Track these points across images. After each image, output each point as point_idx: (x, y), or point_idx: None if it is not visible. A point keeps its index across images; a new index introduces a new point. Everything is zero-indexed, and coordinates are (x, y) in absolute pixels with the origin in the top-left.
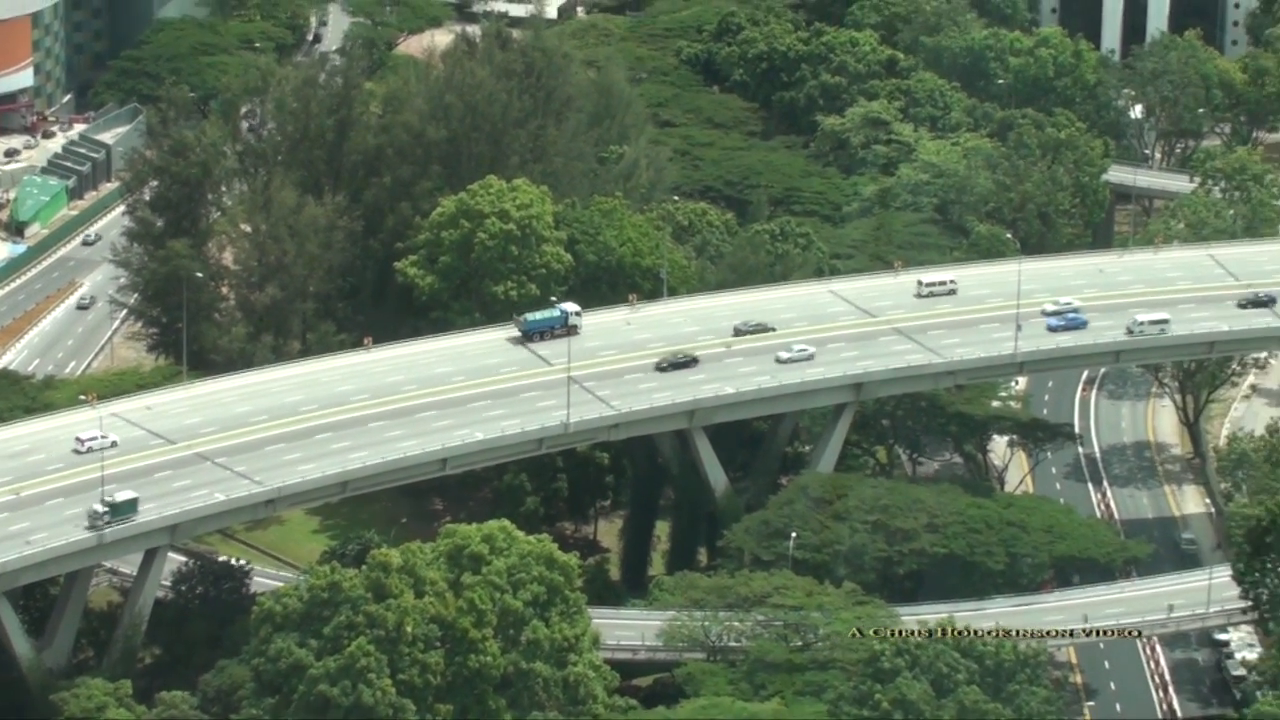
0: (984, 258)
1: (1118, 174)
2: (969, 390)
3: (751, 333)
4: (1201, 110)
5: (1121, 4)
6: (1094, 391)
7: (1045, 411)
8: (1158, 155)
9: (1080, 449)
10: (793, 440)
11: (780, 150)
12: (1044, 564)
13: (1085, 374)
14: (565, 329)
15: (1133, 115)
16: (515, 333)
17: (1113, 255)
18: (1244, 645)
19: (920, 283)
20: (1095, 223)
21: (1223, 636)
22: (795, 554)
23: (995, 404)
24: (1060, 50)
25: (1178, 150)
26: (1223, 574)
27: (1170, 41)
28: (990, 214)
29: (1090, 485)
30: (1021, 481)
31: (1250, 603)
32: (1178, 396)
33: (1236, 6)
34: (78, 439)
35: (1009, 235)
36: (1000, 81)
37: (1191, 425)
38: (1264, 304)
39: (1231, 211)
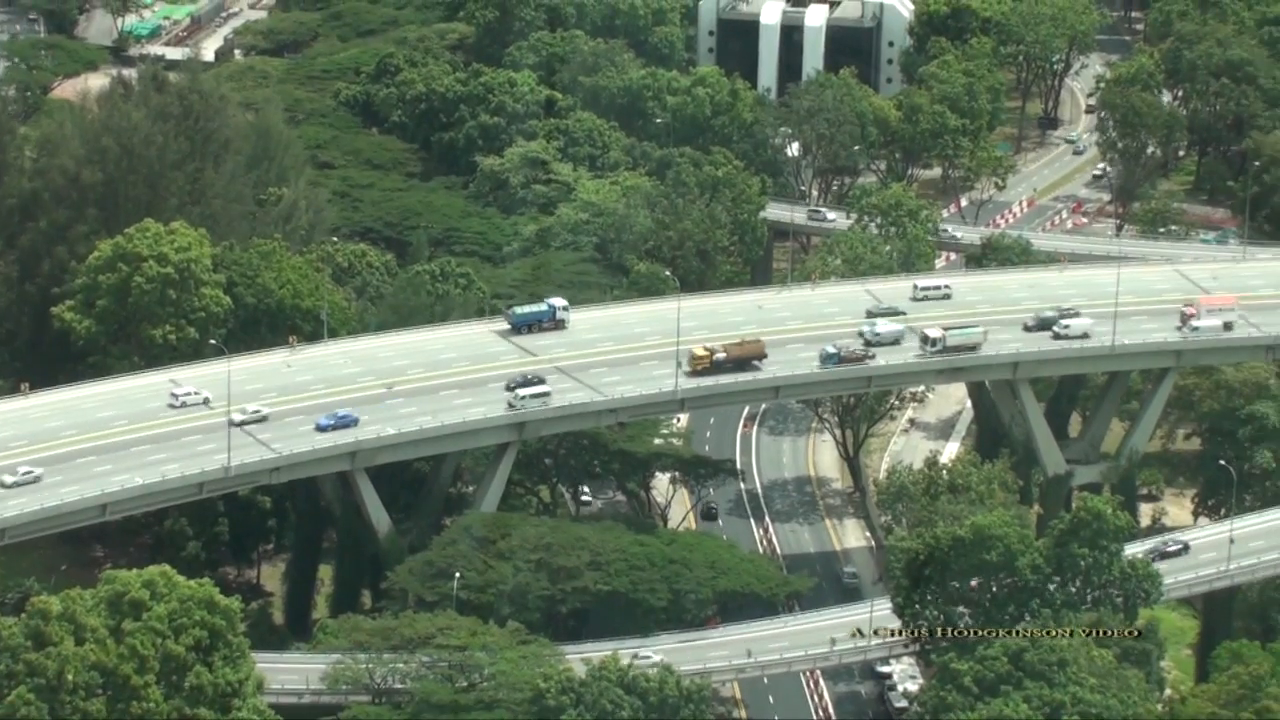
0: (643, 295)
1: (775, 211)
2: (631, 428)
3: (884, 315)
4: (857, 147)
5: (777, 43)
6: (755, 428)
7: (707, 448)
8: (815, 192)
9: (742, 485)
10: (456, 480)
11: (440, 191)
12: (707, 600)
13: (746, 410)
14: (553, 322)
15: (789, 153)
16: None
17: (771, 291)
18: (906, 677)
19: (916, 286)
20: (754, 259)
21: (885, 669)
22: (459, 594)
23: (657, 441)
24: (717, 89)
25: (834, 187)
26: (884, 607)
27: (826, 80)
28: (649, 252)
29: (752, 521)
30: (684, 518)
31: (911, 634)
32: (837, 431)
33: (890, 45)
34: (172, 394)
35: (668, 273)
36: (658, 120)
37: (851, 460)
38: None
39: (888, 247)
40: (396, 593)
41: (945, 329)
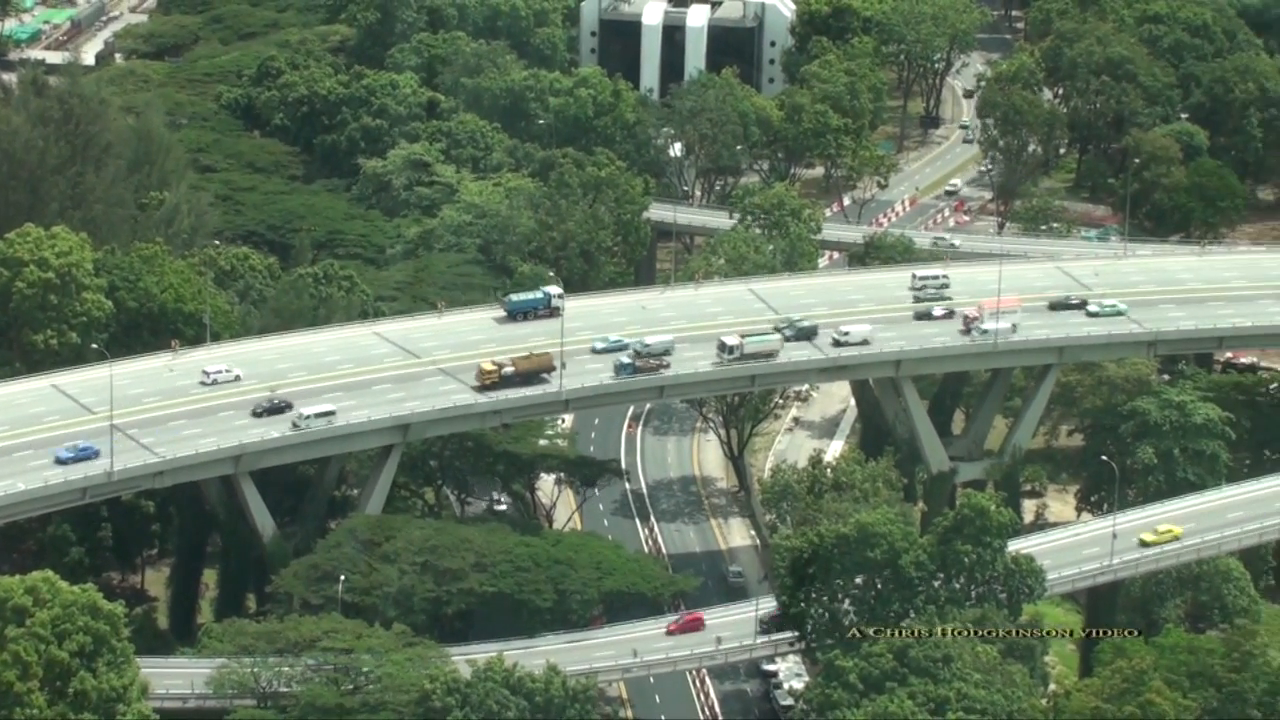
0: None
1: (658, 211)
2: (515, 429)
3: (930, 299)
4: (740, 147)
5: (659, 44)
6: (640, 428)
7: (592, 449)
8: (698, 192)
9: (627, 485)
10: (340, 484)
11: (322, 194)
12: (593, 600)
13: (631, 410)
14: (549, 310)
15: (672, 153)
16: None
17: (655, 291)
18: (792, 675)
19: (914, 276)
20: (637, 260)
21: (771, 667)
22: (344, 597)
23: (542, 442)
24: (600, 90)
25: (717, 187)
26: (769, 605)
27: (708, 80)
28: (533, 253)
29: (638, 521)
30: (570, 519)
31: (796, 632)
32: (722, 431)
33: (773, 45)
34: (204, 371)
35: (552, 274)
36: (541, 122)
37: (736, 459)
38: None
39: (771, 246)
40: (281, 596)
41: (743, 336)
